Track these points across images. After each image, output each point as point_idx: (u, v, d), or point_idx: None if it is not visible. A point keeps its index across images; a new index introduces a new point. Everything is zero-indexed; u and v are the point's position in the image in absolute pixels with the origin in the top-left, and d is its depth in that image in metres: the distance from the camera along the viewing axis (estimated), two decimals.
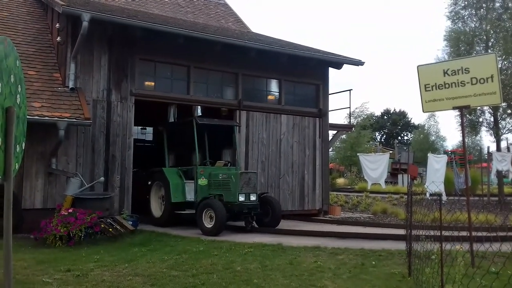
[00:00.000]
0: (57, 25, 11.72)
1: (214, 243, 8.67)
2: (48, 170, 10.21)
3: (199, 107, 12.45)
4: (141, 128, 20.30)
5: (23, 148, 3.23)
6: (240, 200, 10.28)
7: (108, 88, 11.15)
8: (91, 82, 10.98)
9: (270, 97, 14.01)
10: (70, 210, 8.92)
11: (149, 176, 12.30)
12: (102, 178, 10.61)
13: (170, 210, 11.15)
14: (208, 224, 10.02)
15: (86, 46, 10.73)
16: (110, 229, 9.18)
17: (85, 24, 9.98)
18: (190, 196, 11.17)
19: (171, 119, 12.34)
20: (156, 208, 11.88)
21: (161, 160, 14.23)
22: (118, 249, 8.03)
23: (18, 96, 3.06)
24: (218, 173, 11.01)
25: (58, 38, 11.56)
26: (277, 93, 13.96)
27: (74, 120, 9.85)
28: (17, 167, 3.04)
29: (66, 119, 9.72)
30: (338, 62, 14.26)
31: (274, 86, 14.05)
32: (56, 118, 9.66)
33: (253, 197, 10.52)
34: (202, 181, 11.02)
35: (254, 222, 10.52)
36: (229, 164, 11.97)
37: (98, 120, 10.91)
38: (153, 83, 12.15)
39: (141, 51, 11.60)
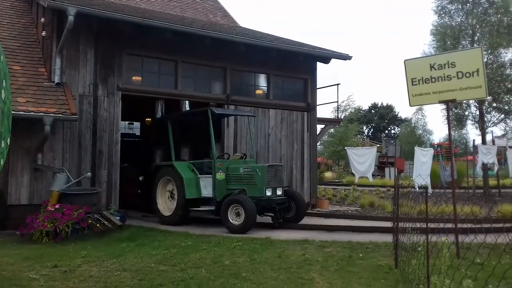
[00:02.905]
0: (42, 20, 11.56)
1: (202, 238, 8.68)
2: (34, 166, 10.09)
3: (187, 101, 12.38)
4: (128, 123, 20.17)
5: (8, 143, 3.20)
6: (267, 195, 9.75)
7: (94, 83, 11.03)
8: (77, 77, 10.85)
9: (258, 91, 14.00)
10: (57, 206, 8.85)
11: (155, 171, 11.52)
12: (89, 174, 10.49)
13: (184, 208, 10.43)
14: (235, 221, 9.48)
15: (72, 40, 10.59)
16: (98, 225, 9.13)
17: (70, 18, 9.84)
18: (206, 192, 10.47)
19: (159, 114, 12.24)
20: (164, 206, 11.10)
21: (150, 155, 14.13)
22: (105, 245, 8.00)
23: (2, 91, 3.03)
24: (238, 166, 10.32)
25: (43, 33, 11.42)
26: (265, 88, 13.96)
27: (60, 115, 9.74)
28: (2, 162, 3.01)
29: (52, 114, 9.61)
30: (325, 56, 14.28)
31: (262, 80, 14.03)
32: (41, 113, 9.54)
33: (279, 191, 10.02)
34: (220, 176, 10.26)
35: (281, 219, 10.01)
36: (244, 157, 11.29)
37: (85, 115, 10.81)
38: (140, 78, 12.05)
39: (128, 45, 11.49)
